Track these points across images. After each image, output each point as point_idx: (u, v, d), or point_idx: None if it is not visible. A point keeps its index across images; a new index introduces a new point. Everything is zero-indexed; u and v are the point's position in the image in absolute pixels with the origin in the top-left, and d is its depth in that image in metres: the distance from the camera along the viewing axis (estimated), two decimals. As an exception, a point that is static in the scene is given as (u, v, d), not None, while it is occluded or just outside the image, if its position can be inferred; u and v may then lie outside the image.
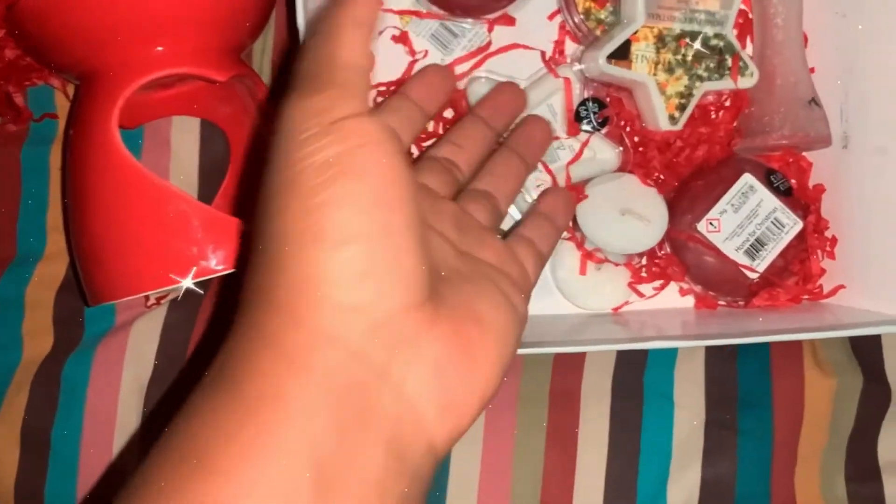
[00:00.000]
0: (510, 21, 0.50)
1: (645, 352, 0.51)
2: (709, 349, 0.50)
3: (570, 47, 0.51)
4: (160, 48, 0.42)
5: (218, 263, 0.41)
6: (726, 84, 0.47)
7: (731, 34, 0.47)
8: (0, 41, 0.46)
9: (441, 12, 0.50)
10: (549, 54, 0.50)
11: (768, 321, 0.46)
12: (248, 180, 0.51)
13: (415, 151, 0.50)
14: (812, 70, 0.48)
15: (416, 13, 0.50)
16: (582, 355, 0.50)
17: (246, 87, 0.48)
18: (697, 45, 0.46)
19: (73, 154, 0.43)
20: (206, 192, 0.52)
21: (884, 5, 0.43)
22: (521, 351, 0.43)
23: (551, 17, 0.50)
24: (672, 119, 0.47)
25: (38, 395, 0.49)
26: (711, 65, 0.46)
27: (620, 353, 0.50)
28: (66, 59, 0.43)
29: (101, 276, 0.42)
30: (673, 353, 0.51)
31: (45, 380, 0.49)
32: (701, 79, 0.47)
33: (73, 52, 0.42)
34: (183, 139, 0.51)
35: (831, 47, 0.48)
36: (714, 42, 0.46)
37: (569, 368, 0.50)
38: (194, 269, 0.39)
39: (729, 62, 0.47)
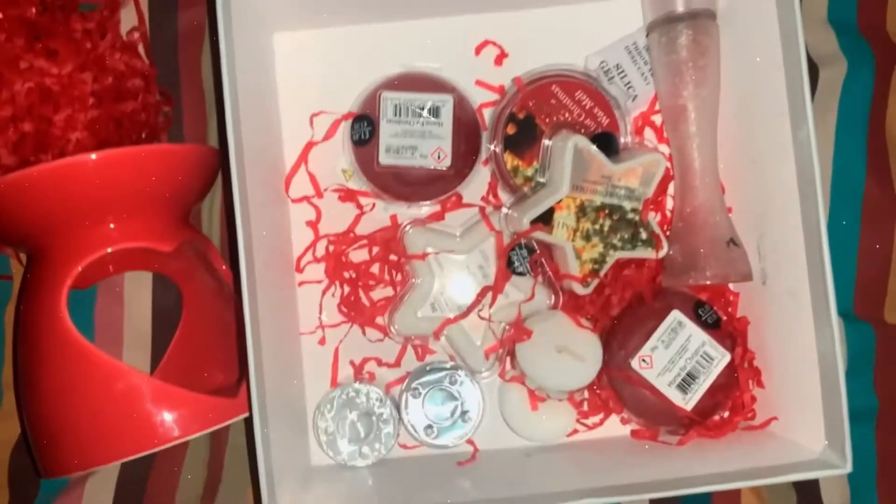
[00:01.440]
0: (459, 198, 0.53)
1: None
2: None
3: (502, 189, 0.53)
4: (110, 225, 0.44)
5: (169, 433, 0.42)
6: (637, 254, 0.50)
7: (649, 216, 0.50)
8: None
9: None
10: (481, 194, 0.53)
11: (707, 457, 0.48)
12: (201, 333, 0.53)
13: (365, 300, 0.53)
14: (730, 210, 0.51)
15: (377, 195, 0.53)
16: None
17: (194, 248, 0.50)
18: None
19: (23, 330, 0.44)
20: (160, 344, 0.53)
21: (784, 156, 0.46)
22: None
23: (485, 162, 0.53)
24: (585, 284, 0.49)
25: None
26: (626, 236, 0.50)
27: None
28: (18, 238, 0.45)
29: (53, 452, 0.43)
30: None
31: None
32: (615, 248, 0.50)
33: (26, 232, 0.44)
34: (136, 293, 0.53)
35: (745, 190, 0.51)
36: (630, 216, 0.50)
37: None
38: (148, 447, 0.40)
39: (643, 234, 0.50)
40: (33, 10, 0.43)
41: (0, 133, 0.42)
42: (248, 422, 0.49)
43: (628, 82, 0.53)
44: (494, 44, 0.54)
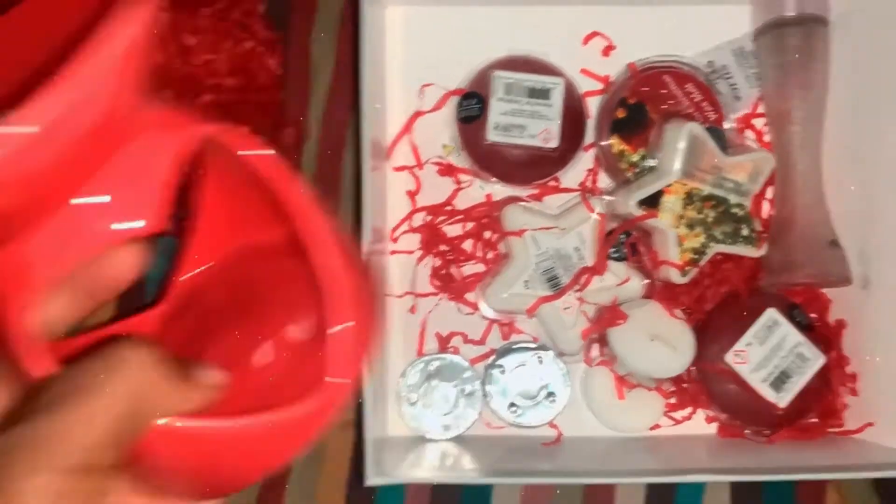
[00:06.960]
0: (559, 182, 0.53)
1: (674, 484, 0.51)
2: (735, 483, 0.51)
3: (603, 176, 0.54)
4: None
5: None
6: (737, 250, 0.50)
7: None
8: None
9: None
10: (579, 180, 0.53)
11: (793, 456, 0.47)
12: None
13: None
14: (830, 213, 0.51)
15: (477, 174, 0.53)
16: (613, 485, 0.51)
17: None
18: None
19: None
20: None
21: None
22: (554, 480, 0.44)
23: (587, 148, 0.54)
24: (683, 273, 0.49)
25: None
26: (728, 230, 0.50)
27: (651, 484, 0.51)
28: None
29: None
30: (701, 486, 0.51)
31: None
32: (716, 240, 0.50)
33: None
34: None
35: (850, 192, 0.51)
36: (735, 210, 0.50)
37: (600, 498, 0.50)
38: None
39: (744, 230, 0.50)
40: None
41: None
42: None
43: (733, 84, 0.54)
44: (602, 35, 0.55)
